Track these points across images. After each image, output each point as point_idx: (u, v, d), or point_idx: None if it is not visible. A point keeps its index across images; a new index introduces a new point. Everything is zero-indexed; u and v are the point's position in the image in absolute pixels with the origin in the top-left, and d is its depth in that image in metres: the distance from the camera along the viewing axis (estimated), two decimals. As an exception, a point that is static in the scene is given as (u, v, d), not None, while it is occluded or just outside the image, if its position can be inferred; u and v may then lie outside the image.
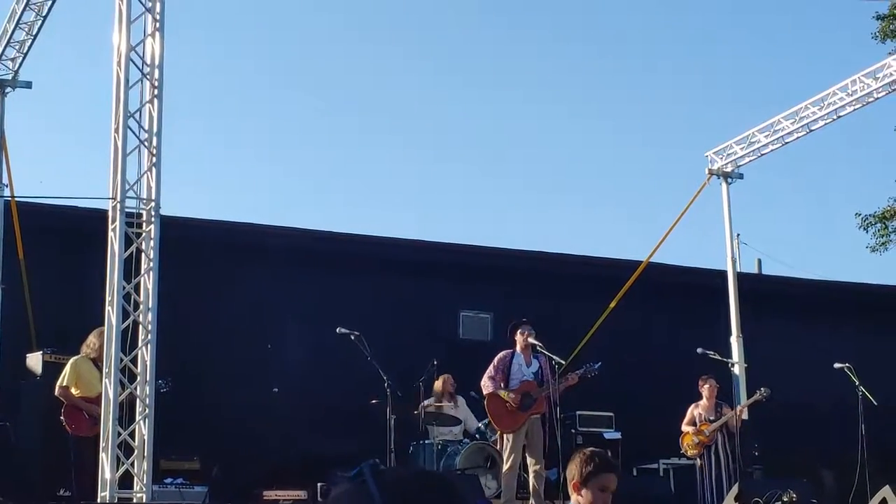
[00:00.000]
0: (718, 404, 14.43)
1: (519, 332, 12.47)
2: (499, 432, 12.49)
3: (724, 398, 14.96)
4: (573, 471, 5.39)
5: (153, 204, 10.52)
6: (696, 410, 14.25)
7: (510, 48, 36.46)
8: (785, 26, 36.55)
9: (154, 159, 10.58)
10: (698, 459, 14.20)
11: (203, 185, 33.92)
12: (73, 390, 11.48)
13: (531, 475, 11.96)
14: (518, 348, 12.45)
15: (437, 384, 14.43)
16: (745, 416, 14.58)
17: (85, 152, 32.07)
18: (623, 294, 17.93)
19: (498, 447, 12.74)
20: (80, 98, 33.54)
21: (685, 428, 14.24)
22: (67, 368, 11.63)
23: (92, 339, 11.60)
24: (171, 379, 12.20)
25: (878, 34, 24.49)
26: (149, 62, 10.76)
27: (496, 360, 12.43)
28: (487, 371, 12.39)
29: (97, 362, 11.47)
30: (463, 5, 36.21)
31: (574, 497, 5.42)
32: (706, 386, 14.39)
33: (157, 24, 10.78)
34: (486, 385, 12.32)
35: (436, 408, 14.15)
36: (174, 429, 12.52)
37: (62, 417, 11.41)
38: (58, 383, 11.59)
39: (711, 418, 14.15)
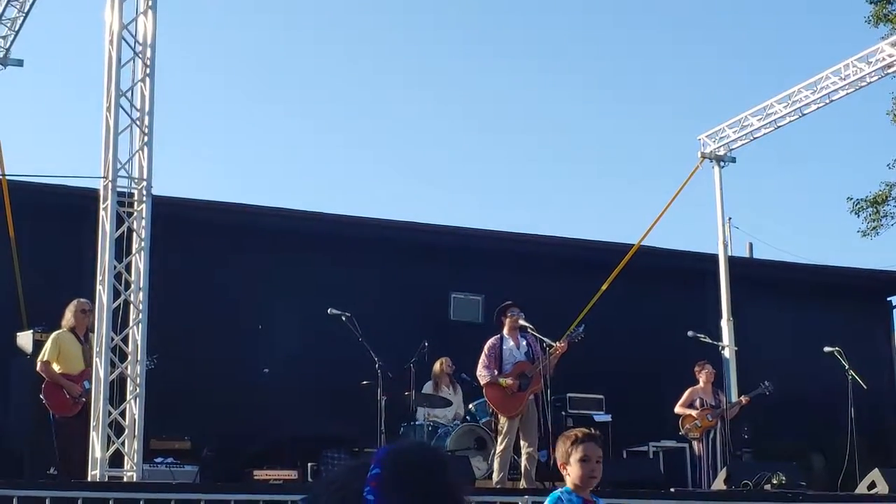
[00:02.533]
0: (715, 390, 14.49)
1: (508, 315, 12.47)
2: (495, 414, 12.48)
3: (714, 381, 15.00)
4: (559, 453, 5.58)
5: (145, 183, 10.50)
6: (696, 394, 14.29)
7: (503, 34, 36.43)
8: (778, 10, 36.54)
9: (146, 138, 10.56)
10: (696, 442, 14.25)
11: (195, 166, 33.86)
12: (55, 366, 11.34)
13: (523, 457, 11.98)
14: (505, 332, 12.45)
15: (436, 367, 14.42)
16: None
17: (76, 131, 31.99)
18: (614, 277, 17.93)
19: (493, 428, 12.74)
20: (72, 76, 33.45)
21: (685, 410, 14.27)
22: (49, 343, 11.44)
23: (66, 312, 11.54)
24: (156, 356, 12.18)
25: (871, 18, 24.50)
26: (141, 41, 10.73)
27: (486, 348, 12.41)
28: (481, 361, 12.37)
29: (78, 335, 11.40)
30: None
31: (565, 476, 5.56)
32: (704, 372, 14.43)
33: (150, 3, 10.74)
34: (483, 375, 12.32)
35: (434, 391, 14.16)
36: (165, 408, 12.53)
37: (41, 396, 11.26)
38: (38, 358, 11.41)
39: (713, 403, 14.20)
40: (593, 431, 5.67)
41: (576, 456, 5.48)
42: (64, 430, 11.04)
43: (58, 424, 11.17)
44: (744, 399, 14.51)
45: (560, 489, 5.67)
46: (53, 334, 11.55)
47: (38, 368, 11.38)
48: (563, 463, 5.57)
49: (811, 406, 18.20)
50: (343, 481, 2.02)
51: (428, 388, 14.20)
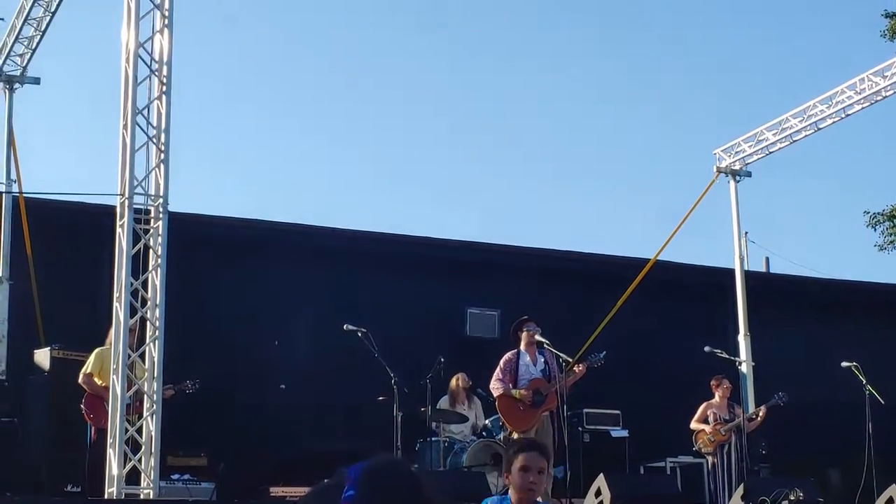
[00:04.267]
0: (731, 404, 14.43)
1: (524, 330, 12.45)
2: (510, 430, 12.46)
3: (731, 396, 14.94)
4: (504, 461, 5.48)
5: (161, 200, 10.53)
6: (710, 409, 14.25)
7: (519, 47, 36.46)
8: (794, 24, 36.52)
9: (162, 156, 10.59)
10: (710, 457, 14.20)
11: (212, 182, 33.95)
12: (97, 379, 11.45)
13: (539, 473, 11.94)
14: (522, 347, 12.42)
15: (452, 383, 14.39)
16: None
17: (93, 148, 32.10)
18: (630, 292, 17.91)
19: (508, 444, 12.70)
20: (89, 94, 33.59)
21: (699, 426, 14.23)
22: (92, 357, 11.59)
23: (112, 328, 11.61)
24: (198, 380, 12.24)
25: (886, 32, 24.46)
26: (157, 59, 10.76)
27: (502, 362, 12.39)
28: (495, 374, 12.35)
29: None
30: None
31: (508, 485, 5.46)
32: (720, 386, 14.38)
33: (166, 21, 10.78)
34: (496, 388, 12.29)
35: (451, 407, 14.14)
36: (182, 425, 12.54)
37: (82, 406, 11.37)
38: (82, 371, 11.56)
39: (727, 417, 14.15)
40: (541, 442, 5.57)
41: (516, 464, 5.37)
42: (100, 445, 11.08)
43: (94, 439, 11.24)
44: (761, 412, 14.42)
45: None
46: (97, 349, 11.62)
47: (80, 380, 11.50)
48: (505, 472, 5.47)
49: (828, 421, 18.12)
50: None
51: (444, 403, 14.17)
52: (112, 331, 11.55)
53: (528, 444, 5.48)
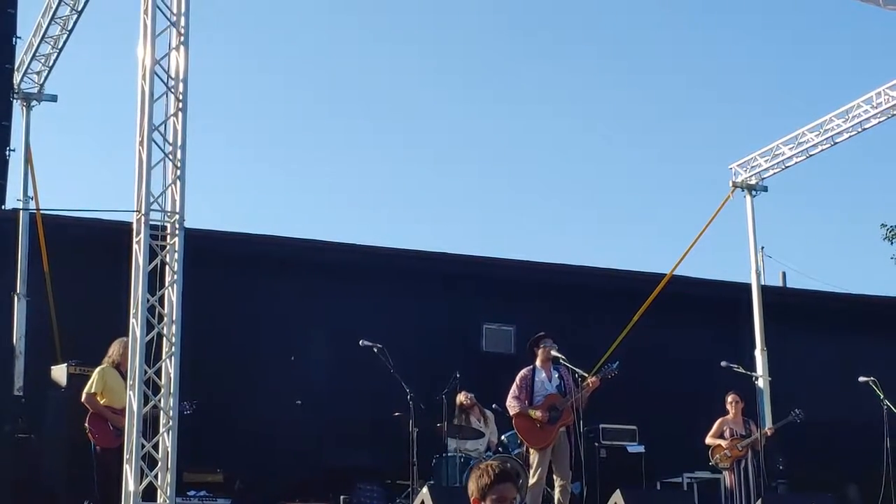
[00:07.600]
0: (746, 420, 14.38)
1: (540, 346, 12.41)
2: (526, 446, 12.42)
3: (747, 412, 14.89)
4: (471, 487, 5.31)
5: (177, 216, 10.54)
6: (725, 424, 14.20)
7: (534, 63, 36.48)
8: (810, 38, 36.48)
9: (178, 172, 10.60)
10: (727, 473, 14.14)
11: (228, 198, 34.03)
12: (100, 399, 11.43)
13: (557, 490, 11.87)
14: (538, 363, 12.38)
15: (457, 400, 14.39)
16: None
17: (110, 165, 32.21)
18: (647, 307, 17.88)
19: (525, 461, 12.66)
20: (105, 111, 33.72)
21: (714, 441, 14.18)
22: (95, 375, 11.49)
23: (113, 347, 11.57)
24: (195, 402, 12.20)
25: (902, 46, 24.44)
26: (173, 76, 10.79)
27: (518, 379, 12.34)
28: (511, 391, 12.30)
29: (122, 372, 11.43)
30: (491, 21, 36.29)
31: None
32: (732, 401, 14.34)
33: (182, 38, 10.81)
34: (513, 406, 12.24)
35: (463, 421, 14.12)
36: (198, 441, 12.55)
37: (87, 425, 11.35)
38: (85, 390, 11.46)
39: (742, 433, 14.10)
40: (509, 468, 5.44)
41: (493, 494, 5.23)
42: (105, 463, 11.07)
43: (99, 457, 11.22)
44: (768, 430, 14.36)
45: None
46: (98, 368, 11.57)
47: (83, 399, 11.43)
48: (476, 498, 5.33)
49: (846, 436, 18.05)
50: None
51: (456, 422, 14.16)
52: (115, 350, 11.57)
53: (507, 475, 5.35)
